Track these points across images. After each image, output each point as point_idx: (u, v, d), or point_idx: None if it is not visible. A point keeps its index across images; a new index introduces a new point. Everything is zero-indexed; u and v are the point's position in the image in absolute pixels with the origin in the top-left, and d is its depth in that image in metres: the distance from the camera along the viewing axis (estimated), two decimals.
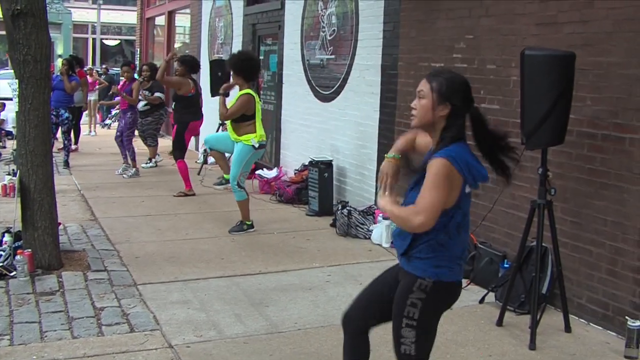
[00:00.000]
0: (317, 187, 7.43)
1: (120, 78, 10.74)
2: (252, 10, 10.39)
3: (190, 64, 8.76)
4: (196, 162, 10.43)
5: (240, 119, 6.53)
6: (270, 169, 9.16)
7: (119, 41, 38.54)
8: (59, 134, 10.84)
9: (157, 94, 10.21)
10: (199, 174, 9.59)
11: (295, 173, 8.43)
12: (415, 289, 2.63)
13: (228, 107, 6.53)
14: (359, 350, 2.92)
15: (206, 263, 5.59)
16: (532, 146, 4.29)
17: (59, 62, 13.37)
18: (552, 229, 4.27)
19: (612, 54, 4.35)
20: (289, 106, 9.13)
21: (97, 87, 16.27)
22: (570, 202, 4.64)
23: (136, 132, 10.41)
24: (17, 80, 5.15)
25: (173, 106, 8.80)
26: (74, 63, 11.19)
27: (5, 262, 5.08)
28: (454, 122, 2.62)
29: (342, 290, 4.99)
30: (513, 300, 4.57)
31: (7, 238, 5.35)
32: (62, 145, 10.70)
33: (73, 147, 11.76)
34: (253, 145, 6.48)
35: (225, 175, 6.83)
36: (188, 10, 14.03)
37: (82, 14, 36.86)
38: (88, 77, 14.33)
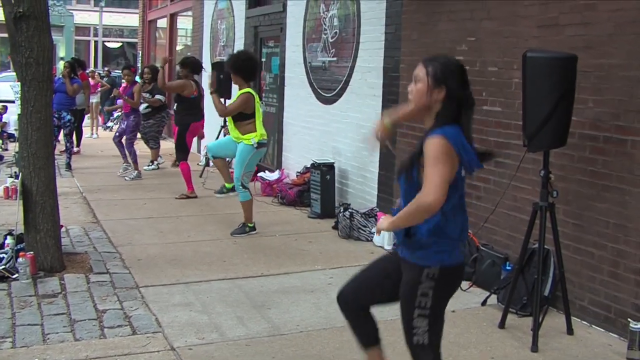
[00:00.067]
0: (319, 190, 7.43)
1: (122, 81, 10.76)
2: (254, 13, 10.39)
3: (192, 66, 8.76)
4: (198, 164, 10.44)
5: (240, 117, 6.54)
6: (272, 171, 9.17)
7: (120, 44, 38.65)
8: (61, 137, 10.87)
9: (157, 96, 10.22)
10: (201, 176, 9.59)
11: (297, 175, 8.44)
12: (423, 279, 2.66)
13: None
14: (363, 332, 3.03)
15: (208, 265, 5.59)
16: (534, 148, 4.29)
17: (61, 65, 13.38)
18: (554, 231, 4.26)
19: (614, 56, 4.35)
20: (291, 108, 9.13)
21: (99, 89, 16.30)
22: (572, 205, 4.64)
23: (138, 135, 10.44)
24: (19, 83, 5.17)
25: (175, 107, 8.81)
26: (76, 65, 11.23)
27: (8, 265, 5.08)
28: (449, 105, 2.65)
29: None
30: (515, 302, 4.56)
31: (9, 240, 5.35)
32: (64, 148, 10.71)
33: (75, 149, 11.79)
34: (252, 144, 6.50)
35: (227, 185, 6.83)
36: (190, 13, 14.04)
37: (84, 17, 36.98)
38: (90, 79, 14.35)
